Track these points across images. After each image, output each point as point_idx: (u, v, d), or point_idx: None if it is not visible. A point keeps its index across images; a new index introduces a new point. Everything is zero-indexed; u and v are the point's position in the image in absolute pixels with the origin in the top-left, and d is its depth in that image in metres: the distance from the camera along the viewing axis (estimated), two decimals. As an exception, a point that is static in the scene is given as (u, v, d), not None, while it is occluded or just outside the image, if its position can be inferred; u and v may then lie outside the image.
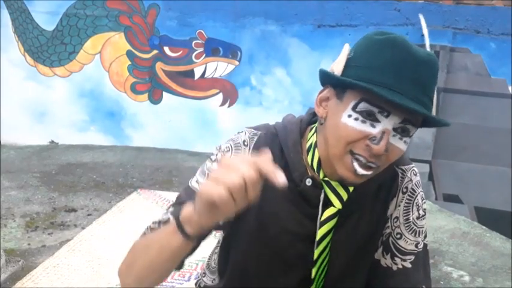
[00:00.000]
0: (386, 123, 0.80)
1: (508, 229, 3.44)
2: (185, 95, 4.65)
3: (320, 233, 0.93)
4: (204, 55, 4.52)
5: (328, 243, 0.95)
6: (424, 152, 4.07)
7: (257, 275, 1.01)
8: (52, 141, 4.91)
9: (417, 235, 1.00)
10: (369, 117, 0.81)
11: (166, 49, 4.57)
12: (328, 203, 0.92)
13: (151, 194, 3.22)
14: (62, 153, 4.27)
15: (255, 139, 0.97)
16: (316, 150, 0.91)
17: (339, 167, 0.85)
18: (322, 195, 0.92)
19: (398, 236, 1.00)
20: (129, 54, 4.64)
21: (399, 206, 1.00)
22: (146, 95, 4.71)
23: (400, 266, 1.00)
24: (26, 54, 4.81)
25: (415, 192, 1.00)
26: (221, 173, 0.67)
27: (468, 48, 3.98)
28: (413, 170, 1.01)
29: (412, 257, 1.00)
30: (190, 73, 4.59)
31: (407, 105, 0.77)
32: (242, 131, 0.99)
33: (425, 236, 1.03)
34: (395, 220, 1.00)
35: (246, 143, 0.96)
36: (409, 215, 1.00)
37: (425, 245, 1.03)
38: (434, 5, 4.00)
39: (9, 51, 4.81)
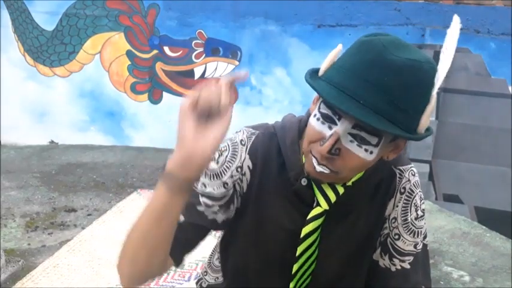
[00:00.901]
0: (339, 126, 0.79)
1: (508, 229, 3.44)
2: (185, 95, 4.65)
3: (305, 230, 0.93)
4: (204, 55, 4.53)
5: (314, 241, 0.94)
6: (424, 152, 4.07)
7: (256, 273, 1.02)
8: (52, 141, 4.91)
9: (416, 236, 0.99)
10: (328, 119, 0.80)
11: (166, 49, 4.57)
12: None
13: (152, 194, 3.23)
14: (62, 153, 4.27)
15: (253, 138, 0.97)
16: None
17: (306, 165, 0.87)
18: None
19: (397, 236, 0.99)
20: (129, 54, 4.64)
21: (397, 206, 0.98)
22: (146, 95, 4.72)
23: (399, 267, 0.99)
24: (26, 54, 4.81)
25: (413, 192, 0.98)
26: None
27: (468, 48, 3.98)
28: (412, 170, 1.00)
29: (411, 258, 0.99)
30: (190, 73, 4.59)
31: (346, 111, 0.74)
32: (240, 130, 0.99)
33: (424, 237, 1.02)
34: (393, 221, 0.99)
35: (243, 142, 0.96)
36: (407, 215, 0.98)
37: (425, 246, 1.02)
38: (435, 5, 4.00)
39: (9, 51, 4.81)
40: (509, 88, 3.93)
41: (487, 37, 3.93)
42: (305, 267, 0.97)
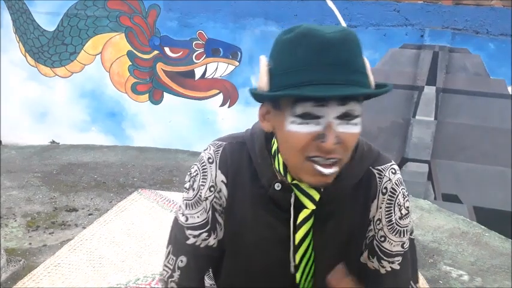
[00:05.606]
0: (327, 115, 0.78)
1: (507, 229, 3.45)
2: (186, 96, 4.67)
3: (298, 236, 0.92)
4: (205, 56, 4.54)
5: (308, 246, 0.93)
6: (423, 152, 4.08)
7: (243, 285, 1.02)
8: (53, 141, 4.93)
9: (402, 235, 0.97)
10: (310, 116, 0.78)
11: (166, 50, 4.59)
12: (300, 206, 0.91)
13: (152, 193, 3.24)
14: (63, 153, 4.29)
15: (220, 151, 0.96)
16: (279, 155, 0.90)
17: (304, 177, 0.84)
18: (292, 198, 0.91)
19: (383, 238, 0.97)
20: (129, 54, 4.65)
21: (380, 208, 0.96)
22: (147, 95, 4.73)
23: (389, 269, 0.98)
24: (27, 54, 4.83)
25: (396, 191, 0.95)
26: None
27: (467, 49, 3.99)
28: (392, 168, 0.96)
29: (400, 258, 0.97)
30: (191, 73, 4.61)
31: (333, 94, 0.75)
32: (207, 147, 0.99)
33: (411, 233, 1.01)
34: (378, 222, 0.96)
35: (211, 160, 0.96)
36: (392, 216, 0.95)
37: (411, 240, 1.01)
38: (434, 6, 4.01)
39: (10, 51, 4.83)
40: (508, 88, 3.95)
41: (486, 38, 3.94)
42: (305, 274, 0.97)
